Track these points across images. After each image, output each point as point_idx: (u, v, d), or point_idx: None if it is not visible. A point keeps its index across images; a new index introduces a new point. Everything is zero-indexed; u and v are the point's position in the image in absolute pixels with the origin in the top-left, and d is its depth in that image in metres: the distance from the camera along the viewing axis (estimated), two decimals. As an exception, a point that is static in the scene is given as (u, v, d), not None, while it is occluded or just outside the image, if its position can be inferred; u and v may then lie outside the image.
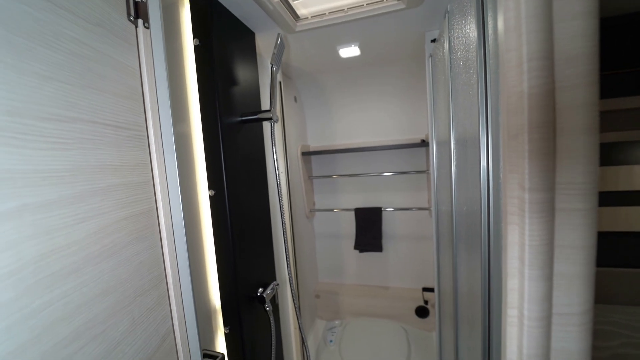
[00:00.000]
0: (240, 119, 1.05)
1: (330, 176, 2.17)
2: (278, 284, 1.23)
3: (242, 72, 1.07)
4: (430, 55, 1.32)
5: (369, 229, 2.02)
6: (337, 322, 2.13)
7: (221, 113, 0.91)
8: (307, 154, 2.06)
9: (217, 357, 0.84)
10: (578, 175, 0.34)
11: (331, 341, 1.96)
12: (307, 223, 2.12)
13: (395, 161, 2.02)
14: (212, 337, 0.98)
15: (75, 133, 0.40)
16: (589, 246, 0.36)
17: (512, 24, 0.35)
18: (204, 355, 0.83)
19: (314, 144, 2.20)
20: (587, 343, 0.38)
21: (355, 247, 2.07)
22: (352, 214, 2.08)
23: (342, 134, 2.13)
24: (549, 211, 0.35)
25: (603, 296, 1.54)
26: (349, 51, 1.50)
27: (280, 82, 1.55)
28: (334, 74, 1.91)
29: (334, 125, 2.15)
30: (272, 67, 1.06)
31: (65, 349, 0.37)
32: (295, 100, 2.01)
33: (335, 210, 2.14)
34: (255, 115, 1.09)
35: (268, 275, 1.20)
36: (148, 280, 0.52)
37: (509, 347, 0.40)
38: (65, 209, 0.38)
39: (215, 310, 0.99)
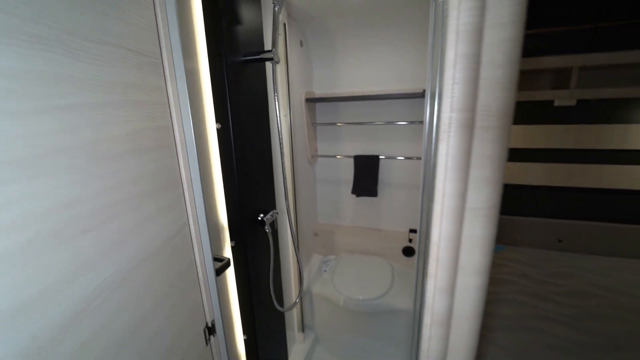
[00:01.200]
0: (244, 58, 1.12)
1: (333, 124, 2.25)
2: (277, 212, 1.41)
3: (245, 12, 1.11)
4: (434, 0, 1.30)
5: (366, 176, 2.16)
6: (332, 257, 2.40)
7: (226, 52, 0.99)
8: (311, 101, 2.11)
9: (223, 260, 1.04)
10: (494, 101, 0.45)
11: (325, 271, 2.24)
12: (308, 168, 2.26)
13: (397, 111, 2.07)
14: (221, 248, 1.18)
15: (109, 54, 0.51)
16: (499, 157, 0.48)
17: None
18: (214, 259, 1.03)
19: (318, 91, 2.24)
20: (491, 231, 0.52)
21: (353, 192, 2.23)
22: (352, 160, 2.20)
23: (347, 82, 2.16)
24: (468, 128, 0.46)
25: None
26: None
27: (284, 24, 1.56)
28: (341, 19, 1.87)
29: (340, 73, 2.17)
30: (274, 6, 1.10)
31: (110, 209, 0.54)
32: (302, 44, 2.00)
33: (338, 157, 2.26)
34: (258, 55, 1.16)
35: (268, 203, 1.37)
36: (168, 180, 0.67)
37: (434, 233, 0.54)
38: (112, 111, 0.51)
39: (223, 227, 1.18)
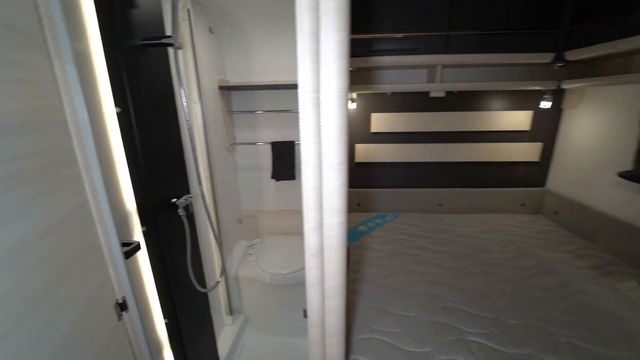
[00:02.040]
0: (142, 42, 1.12)
1: (250, 112, 2.32)
2: (192, 197, 1.45)
3: (141, -5, 1.11)
4: None
5: (283, 160, 2.31)
6: (257, 240, 2.51)
7: (120, 34, 0.99)
8: (225, 89, 2.14)
9: (132, 243, 1.06)
10: (333, 85, 0.63)
11: (250, 254, 2.34)
12: (227, 155, 2.30)
13: (307, 100, 2.26)
14: (130, 232, 1.18)
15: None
16: (341, 125, 0.67)
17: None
18: (123, 244, 1.04)
19: (233, 79, 2.27)
20: (343, 181, 0.71)
21: (272, 177, 2.36)
22: (270, 147, 2.32)
23: (262, 71, 2.24)
24: (316, 107, 0.64)
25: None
26: (258, -15, 1.57)
27: (189, 10, 1.57)
28: (251, 8, 1.94)
29: (254, 62, 2.23)
30: (172, -8, 1.12)
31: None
32: (211, 31, 2.00)
33: (259, 143, 2.34)
34: (158, 40, 1.17)
35: (181, 188, 1.40)
36: (63, 158, 0.69)
37: (304, 185, 0.71)
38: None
39: (131, 212, 1.18)
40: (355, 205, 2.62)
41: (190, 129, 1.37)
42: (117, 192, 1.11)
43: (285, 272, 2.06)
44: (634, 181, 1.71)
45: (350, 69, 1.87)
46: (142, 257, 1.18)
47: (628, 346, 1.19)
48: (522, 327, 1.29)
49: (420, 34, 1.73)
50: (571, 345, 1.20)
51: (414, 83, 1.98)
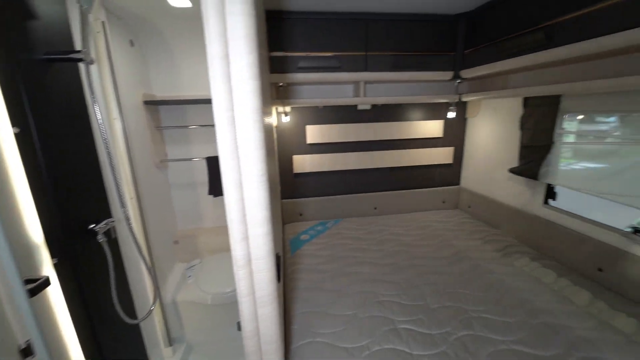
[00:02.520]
0: (46, 57, 1.03)
1: (181, 127, 2.23)
2: (114, 221, 1.34)
3: (43, 7, 1.03)
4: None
5: (220, 176, 2.26)
6: (196, 261, 2.38)
7: (16, 47, 0.90)
8: (151, 103, 2.04)
9: (39, 279, 0.95)
10: (245, 103, 0.68)
11: (189, 276, 2.21)
12: (158, 173, 2.16)
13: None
14: (38, 267, 1.05)
15: None
16: (259, 139, 0.72)
17: None
18: (27, 281, 0.92)
19: (161, 93, 2.17)
20: (264, 193, 0.76)
21: (209, 193, 2.29)
22: (205, 162, 2.26)
23: (191, 85, 2.19)
24: (232, 124, 0.68)
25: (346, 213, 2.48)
26: (180, 2, 1.56)
27: (103, 23, 1.48)
28: (174, 22, 1.90)
29: (182, 75, 2.17)
30: (80, 4, 1.06)
31: None
32: (132, 44, 1.91)
33: (194, 159, 2.25)
34: (66, 55, 1.09)
35: (100, 212, 1.29)
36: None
37: (227, 198, 0.74)
38: None
39: (37, 244, 1.04)
40: (297, 215, 2.67)
41: (108, 148, 1.28)
42: (16, 223, 0.99)
43: (228, 290, 2.00)
44: (520, 175, 2.10)
45: (280, 84, 1.96)
46: (54, 293, 1.05)
47: (523, 312, 1.44)
48: (443, 310, 1.47)
49: (343, 53, 1.89)
50: (481, 319, 1.41)
51: (342, 97, 2.15)
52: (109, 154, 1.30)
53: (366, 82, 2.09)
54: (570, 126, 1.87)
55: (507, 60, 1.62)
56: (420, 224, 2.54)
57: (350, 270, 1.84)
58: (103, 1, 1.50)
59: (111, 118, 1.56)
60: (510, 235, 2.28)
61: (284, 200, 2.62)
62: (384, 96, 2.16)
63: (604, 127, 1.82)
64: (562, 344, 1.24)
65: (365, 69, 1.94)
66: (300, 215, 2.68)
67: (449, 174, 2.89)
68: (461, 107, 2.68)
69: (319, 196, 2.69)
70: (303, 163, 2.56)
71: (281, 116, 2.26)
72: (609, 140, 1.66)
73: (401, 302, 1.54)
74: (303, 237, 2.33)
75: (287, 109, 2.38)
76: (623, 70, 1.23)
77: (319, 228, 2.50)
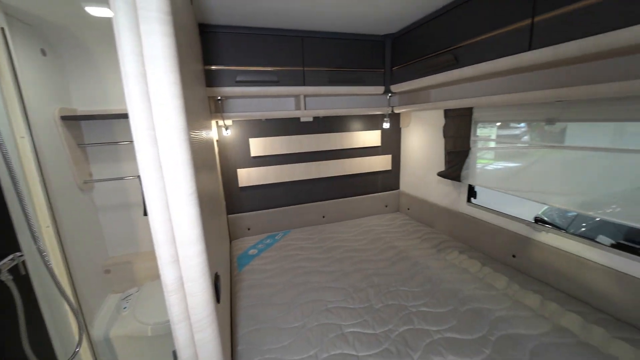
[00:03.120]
0: None
1: (108, 143, 2.04)
2: (22, 255, 1.17)
3: None
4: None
5: (157, 194, 2.11)
6: (133, 289, 2.16)
7: None
8: (71, 119, 1.83)
9: None
10: (167, 122, 0.67)
11: (125, 308, 2.00)
12: (81, 196, 1.94)
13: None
14: None
15: None
16: (186, 160, 0.71)
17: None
18: None
19: (82, 107, 1.97)
20: (195, 210, 0.74)
21: (145, 214, 2.12)
22: (138, 181, 2.09)
23: (119, 98, 2.03)
24: (154, 144, 0.66)
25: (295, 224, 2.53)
26: (100, 11, 1.46)
27: (2, 29, 1.31)
28: (96, 30, 1.76)
29: (109, 88, 2.00)
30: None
31: None
32: (44, 53, 1.71)
33: (127, 178, 2.06)
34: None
35: (4, 246, 1.11)
36: None
37: (151, 219, 0.70)
38: None
39: None
40: (245, 230, 2.61)
41: (11, 171, 1.12)
42: None
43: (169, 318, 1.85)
44: (447, 178, 2.35)
45: (218, 98, 1.93)
46: None
47: (455, 301, 1.60)
48: (386, 309, 1.56)
49: (281, 68, 1.94)
50: (420, 313, 1.53)
51: (284, 110, 2.19)
52: (13, 178, 1.13)
53: (306, 96, 2.17)
54: (481, 133, 2.16)
55: (427, 77, 1.82)
56: (365, 229, 2.66)
57: (300, 280, 1.85)
58: (1, 5, 1.33)
59: (17, 136, 1.37)
60: (443, 232, 2.52)
61: (230, 215, 2.54)
62: (323, 109, 2.25)
63: (505, 133, 2.15)
64: (485, 326, 1.40)
65: (304, 83, 2.02)
66: (248, 229, 2.62)
67: (389, 180, 3.10)
68: (395, 118, 2.92)
69: (267, 209, 2.67)
70: (248, 176, 2.53)
71: (222, 130, 2.21)
72: (510, 145, 1.97)
73: (348, 307, 1.59)
74: (251, 252, 2.28)
75: (229, 122, 2.34)
76: (517, 87, 1.48)
77: (268, 241, 2.47)
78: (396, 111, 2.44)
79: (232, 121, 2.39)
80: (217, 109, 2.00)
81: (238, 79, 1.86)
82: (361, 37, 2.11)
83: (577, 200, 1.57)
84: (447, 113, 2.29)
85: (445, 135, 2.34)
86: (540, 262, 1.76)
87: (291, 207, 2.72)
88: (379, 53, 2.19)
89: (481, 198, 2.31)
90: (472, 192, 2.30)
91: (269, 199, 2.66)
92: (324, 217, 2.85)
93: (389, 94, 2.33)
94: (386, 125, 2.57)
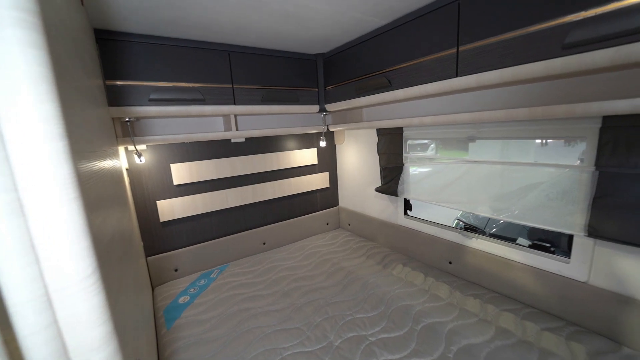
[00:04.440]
0: None
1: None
2: None
3: None
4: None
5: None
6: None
7: None
8: None
9: None
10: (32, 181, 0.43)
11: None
12: None
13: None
14: None
15: None
16: (83, 228, 0.47)
17: None
18: None
19: None
20: (97, 301, 0.50)
21: None
22: None
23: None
24: (19, 214, 0.42)
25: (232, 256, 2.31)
26: None
27: None
28: None
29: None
30: None
31: None
32: None
33: None
34: None
35: None
36: None
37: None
38: None
39: None
40: (171, 272, 2.20)
41: None
42: None
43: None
44: (384, 193, 2.42)
45: (127, 119, 1.58)
46: None
47: (409, 319, 1.59)
48: (346, 343, 1.45)
49: (207, 85, 1.71)
50: (380, 342, 1.46)
51: (213, 132, 1.94)
52: None
53: (237, 115, 1.97)
54: (412, 150, 2.30)
55: (362, 98, 1.84)
56: (309, 251, 2.54)
57: (246, 327, 1.60)
58: None
59: None
60: (384, 245, 2.58)
61: (150, 257, 2.11)
62: (257, 129, 2.08)
63: (432, 152, 2.34)
64: (441, 343, 1.42)
65: (234, 102, 1.82)
66: (176, 270, 2.22)
67: (328, 197, 3.07)
68: (330, 135, 2.92)
69: (198, 243, 2.31)
70: (172, 208, 2.15)
71: (134, 157, 1.82)
72: (436, 161, 2.13)
73: (305, 351, 1.43)
74: (182, 299, 1.91)
75: (142, 147, 1.96)
76: (443, 109, 1.59)
77: (202, 282, 2.12)
78: (331, 129, 2.43)
79: (147, 146, 2.01)
80: (126, 132, 1.64)
81: (152, 96, 1.55)
82: (293, 55, 2.04)
83: (495, 206, 1.75)
84: (380, 131, 2.37)
85: (379, 152, 2.42)
86: (473, 266, 1.92)
87: (226, 237, 2.42)
88: (312, 72, 2.15)
89: (417, 210, 2.44)
90: (408, 205, 2.41)
91: (199, 232, 2.31)
92: (264, 243, 2.63)
93: (324, 113, 2.31)
94: (322, 143, 2.54)
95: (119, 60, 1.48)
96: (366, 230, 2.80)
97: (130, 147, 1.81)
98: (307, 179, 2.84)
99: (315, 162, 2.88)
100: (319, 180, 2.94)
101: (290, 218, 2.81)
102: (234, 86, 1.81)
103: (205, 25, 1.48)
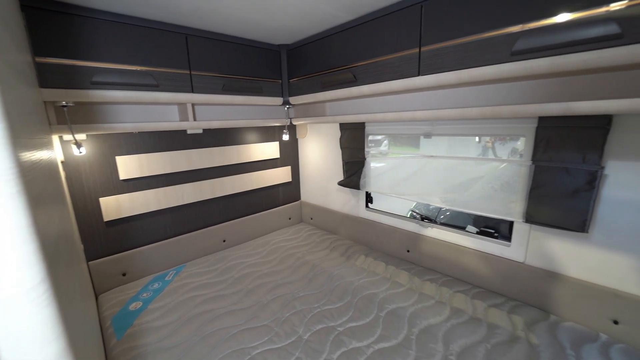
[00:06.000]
0: None
1: None
2: None
3: None
4: None
5: None
6: None
7: None
8: None
9: None
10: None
11: None
12: None
13: None
14: None
15: None
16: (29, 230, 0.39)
17: None
18: None
19: None
20: (47, 313, 0.43)
21: None
22: None
23: None
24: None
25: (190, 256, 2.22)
26: None
27: None
28: None
29: None
30: None
31: None
32: None
33: None
34: None
35: None
36: None
37: None
38: None
39: None
40: (118, 277, 1.98)
41: None
42: None
43: None
44: (346, 186, 2.48)
45: (63, 103, 1.37)
46: None
47: (374, 306, 1.66)
48: (316, 335, 1.47)
49: (161, 69, 1.56)
50: (349, 330, 1.50)
51: (165, 121, 1.78)
52: None
53: (194, 104, 1.83)
54: (373, 145, 2.38)
55: (327, 92, 1.84)
56: (273, 247, 2.50)
57: (209, 330, 1.52)
58: None
59: None
60: (346, 237, 2.64)
61: (92, 262, 1.87)
62: (217, 119, 1.96)
63: (385, 147, 2.44)
64: (404, 326, 1.51)
65: (192, 90, 1.69)
66: (124, 275, 2.00)
67: (290, 191, 3.04)
68: (293, 129, 2.88)
69: (149, 244, 2.12)
70: (118, 206, 1.93)
71: (71, 147, 1.59)
72: (394, 156, 2.24)
73: (274, 347, 1.41)
74: (133, 306, 1.74)
75: (81, 136, 1.72)
76: (404, 106, 1.66)
77: (156, 286, 1.95)
78: (294, 123, 2.40)
79: (87, 135, 1.77)
80: (61, 119, 1.42)
81: (95, 79, 1.37)
82: (256, 44, 1.95)
83: (446, 197, 1.91)
84: (343, 125, 2.41)
85: (341, 147, 2.46)
86: (429, 253, 2.07)
87: (182, 236, 2.26)
88: (276, 63, 2.09)
89: (378, 203, 2.54)
90: (369, 198, 2.50)
91: (150, 231, 2.12)
92: (224, 241, 2.51)
93: (288, 106, 2.27)
94: (285, 137, 2.49)
95: (53, 34, 1.26)
96: (329, 223, 2.84)
97: (67, 137, 1.58)
98: (269, 173, 2.78)
99: (277, 156, 2.83)
100: (281, 175, 2.89)
101: (252, 213, 2.72)
102: (192, 72, 1.68)
103: (159, 4, 1.34)
